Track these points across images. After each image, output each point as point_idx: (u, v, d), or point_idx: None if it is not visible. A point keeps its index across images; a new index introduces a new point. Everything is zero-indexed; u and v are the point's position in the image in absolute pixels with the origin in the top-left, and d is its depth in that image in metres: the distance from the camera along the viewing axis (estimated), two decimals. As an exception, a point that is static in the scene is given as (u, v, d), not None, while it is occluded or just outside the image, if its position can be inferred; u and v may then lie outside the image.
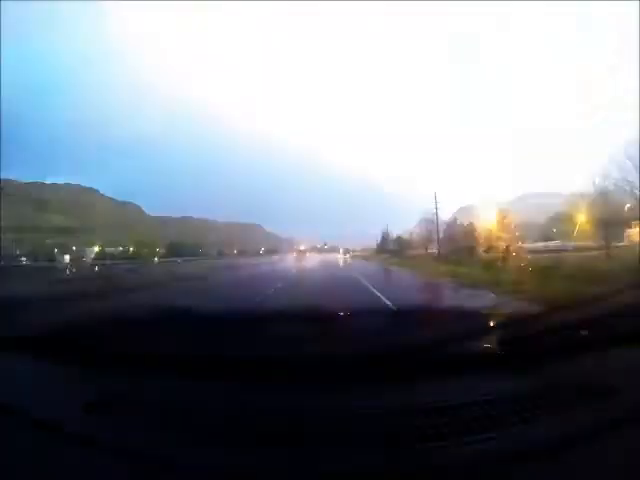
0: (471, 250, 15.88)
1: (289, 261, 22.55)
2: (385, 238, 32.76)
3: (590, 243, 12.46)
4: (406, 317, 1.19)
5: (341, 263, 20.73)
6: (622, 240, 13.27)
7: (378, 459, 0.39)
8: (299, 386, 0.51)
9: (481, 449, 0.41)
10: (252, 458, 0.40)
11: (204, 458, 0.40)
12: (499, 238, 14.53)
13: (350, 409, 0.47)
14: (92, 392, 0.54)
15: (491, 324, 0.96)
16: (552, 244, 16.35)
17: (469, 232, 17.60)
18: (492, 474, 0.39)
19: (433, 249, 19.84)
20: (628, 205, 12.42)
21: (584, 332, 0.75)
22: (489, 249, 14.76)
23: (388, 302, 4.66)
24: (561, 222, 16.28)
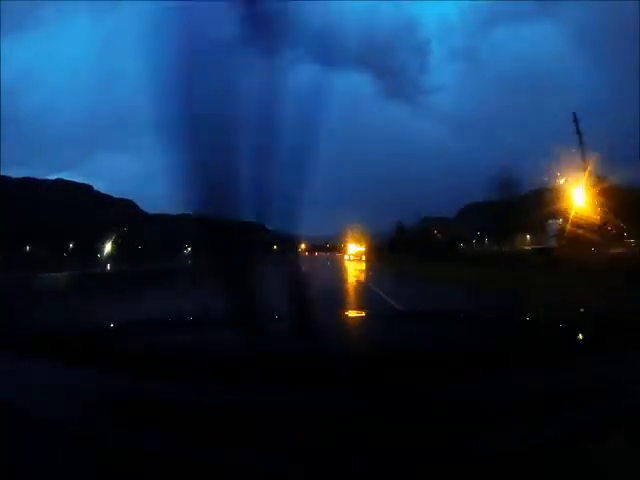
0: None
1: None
2: (402, 230, 26.78)
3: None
4: (409, 319, 1.20)
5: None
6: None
7: (376, 461, 0.40)
8: (298, 387, 0.52)
9: (481, 450, 0.42)
10: (252, 458, 0.41)
11: (204, 458, 0.41)
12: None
13: (350, 410, 0.47)
14: (92, 392, 0.53)
15: (491, 325, 0.98)
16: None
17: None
18: (492, 475, 0.39)
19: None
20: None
21: (584, 332, 0.77)
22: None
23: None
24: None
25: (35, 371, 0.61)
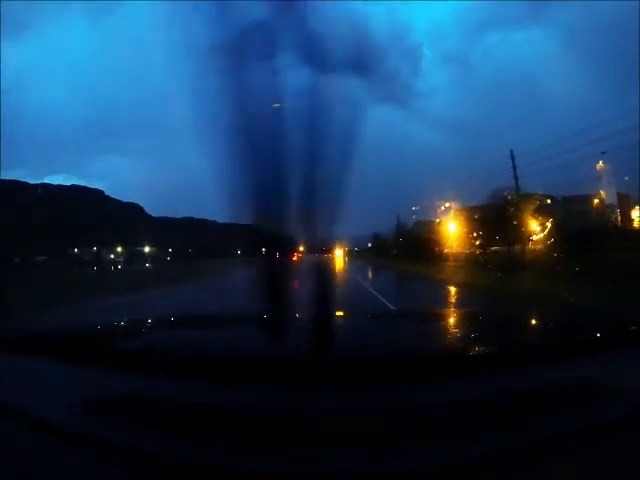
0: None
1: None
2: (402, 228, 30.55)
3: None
4: (405, 318, 1.19)
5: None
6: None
7: (376, 460, 0.39)
8: (296, 387, 0.51)
9: (480, 450, 0.41)
10: (252, 458, 0.40)
11: (204, 458, 0.40)
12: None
13: (349, 410, 0.47)
14: (92, 392, 0.54)
15: (491, 325, 0.96)
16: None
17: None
18: (491, 475, 0.39)
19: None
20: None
21: (584, 332, 0.75)
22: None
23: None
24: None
25: (35, 371, 0.62)
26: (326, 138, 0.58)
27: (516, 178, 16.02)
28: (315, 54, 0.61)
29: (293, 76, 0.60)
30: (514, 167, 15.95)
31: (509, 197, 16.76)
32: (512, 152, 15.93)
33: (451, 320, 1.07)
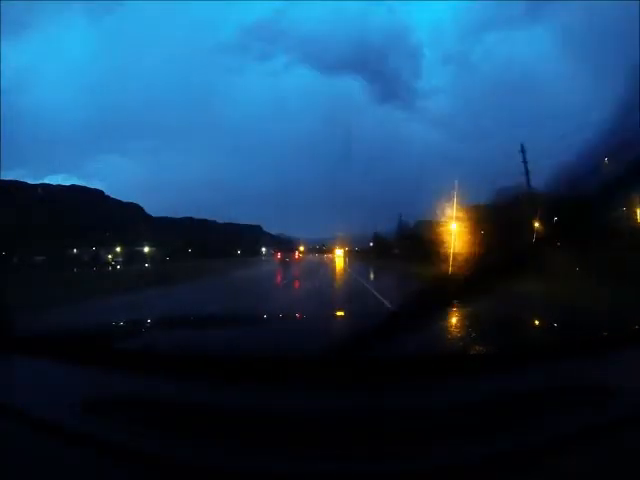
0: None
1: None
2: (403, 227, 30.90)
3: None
4: (405, 318, 1.19)
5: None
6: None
7: (377, 460, 0.39)
8: (296, 387, 0.51)
9: (480, 450, 0.41)
10: (252, 458, 0.40)
11: (204, 458, 0.40)
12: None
13: (349, 410, 0.47)
14: (92, 392, 0.54)
15: (491, 325, 0.96)
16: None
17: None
18: (491, 475, 0.39)
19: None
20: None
21: (584, 332, 0.75)
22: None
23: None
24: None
25: (35, 371, 0.62)
26: None
27: (527, 172, 14.63)
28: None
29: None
30: (525, 162, 14.82)
31: (518, 196, 16.14)
32: (522, 146, 14.72)
33: (451, 320, 1.08)
